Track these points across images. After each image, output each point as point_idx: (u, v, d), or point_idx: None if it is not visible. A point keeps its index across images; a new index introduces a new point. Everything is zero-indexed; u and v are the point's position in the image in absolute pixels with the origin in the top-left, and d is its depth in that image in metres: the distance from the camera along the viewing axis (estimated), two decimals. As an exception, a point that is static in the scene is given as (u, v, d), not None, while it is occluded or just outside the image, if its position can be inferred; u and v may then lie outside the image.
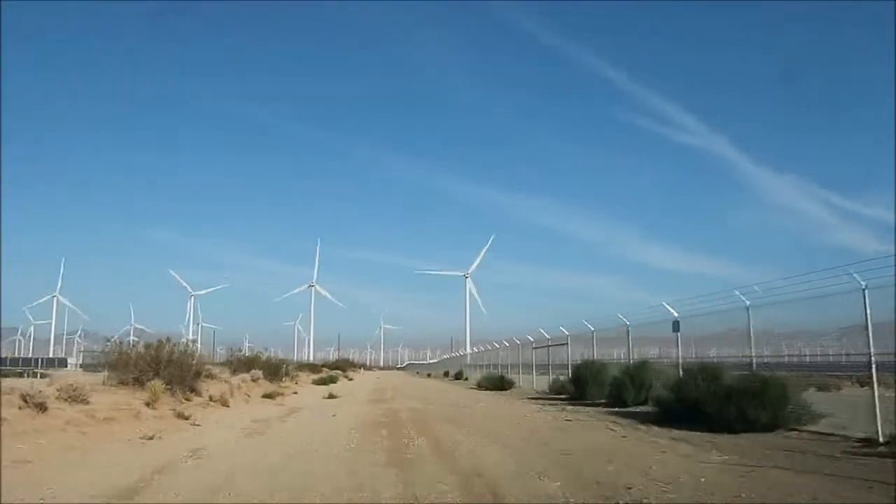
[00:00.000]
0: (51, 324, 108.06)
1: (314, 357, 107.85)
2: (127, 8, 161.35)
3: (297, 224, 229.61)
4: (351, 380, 58.46)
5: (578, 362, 24.37)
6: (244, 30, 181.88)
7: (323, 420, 16.90)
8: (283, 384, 31.94)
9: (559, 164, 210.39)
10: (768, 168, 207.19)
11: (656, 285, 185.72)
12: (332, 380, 46.09)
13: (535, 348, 32.04)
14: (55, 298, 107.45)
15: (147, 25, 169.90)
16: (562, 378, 25.96)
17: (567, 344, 26.30)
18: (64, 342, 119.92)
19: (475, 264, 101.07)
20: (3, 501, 6.61)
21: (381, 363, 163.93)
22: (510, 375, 35.56)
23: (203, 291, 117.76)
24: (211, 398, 18.75)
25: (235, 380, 24.24)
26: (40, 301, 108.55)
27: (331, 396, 27.88)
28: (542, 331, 31.42)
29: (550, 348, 29.97)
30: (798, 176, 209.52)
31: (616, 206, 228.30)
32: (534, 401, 23.49)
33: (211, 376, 21.88)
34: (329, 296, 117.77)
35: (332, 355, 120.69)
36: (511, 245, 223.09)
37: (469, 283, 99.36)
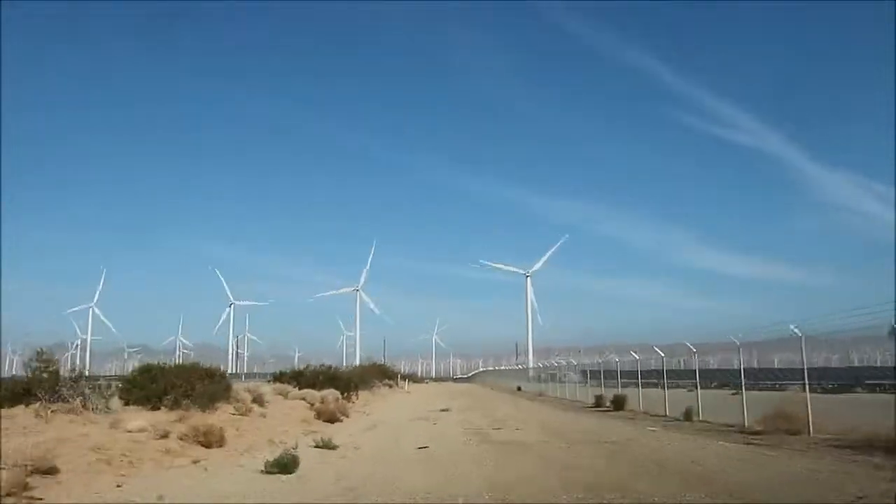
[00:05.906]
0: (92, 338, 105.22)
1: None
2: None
3: (344, 234, 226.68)
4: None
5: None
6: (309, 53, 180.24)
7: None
8: None
9: (601, 163, 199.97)
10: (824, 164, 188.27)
11: (713, 291, 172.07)
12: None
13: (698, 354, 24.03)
14: (91, 310, 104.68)
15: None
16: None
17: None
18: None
19: (539, 264, 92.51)
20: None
21: (433, 374, 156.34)
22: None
23: (244, 302, 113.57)
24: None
25: None
26: (75, 309, 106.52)
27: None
28: (656, 348, 24.90)
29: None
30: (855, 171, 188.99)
31: (666, 208, 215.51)
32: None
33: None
34: (371, 303, 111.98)
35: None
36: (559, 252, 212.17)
37: (529, 286, 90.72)
